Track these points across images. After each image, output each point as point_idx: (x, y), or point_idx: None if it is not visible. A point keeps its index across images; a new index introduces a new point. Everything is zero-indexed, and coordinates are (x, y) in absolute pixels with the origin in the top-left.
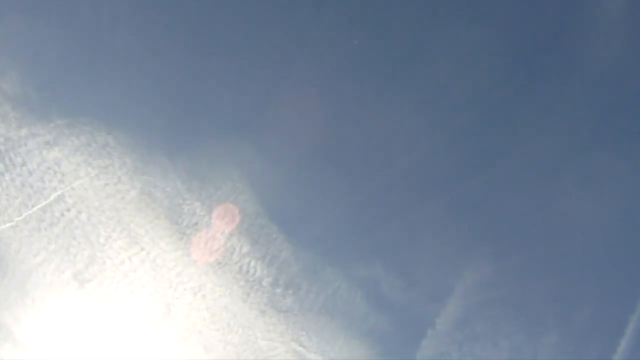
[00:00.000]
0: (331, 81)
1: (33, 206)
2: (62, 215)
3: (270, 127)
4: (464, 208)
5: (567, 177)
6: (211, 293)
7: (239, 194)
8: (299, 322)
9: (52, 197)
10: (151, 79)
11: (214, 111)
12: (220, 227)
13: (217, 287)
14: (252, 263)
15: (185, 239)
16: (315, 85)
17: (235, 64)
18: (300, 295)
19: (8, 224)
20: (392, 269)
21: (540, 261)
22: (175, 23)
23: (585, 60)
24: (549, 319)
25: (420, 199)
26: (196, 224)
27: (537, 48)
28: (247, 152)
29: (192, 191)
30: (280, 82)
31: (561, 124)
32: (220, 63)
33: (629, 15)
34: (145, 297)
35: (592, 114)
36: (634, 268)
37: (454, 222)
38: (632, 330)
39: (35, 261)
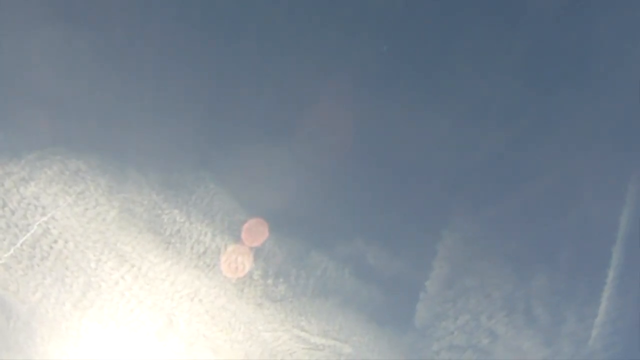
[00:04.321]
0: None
1: (22, 244)
2: (51, 247)
3: (238, 125)
4: (435, 166)
5: (541, 129)
6: (207, 296)
7: (213, 195)
8: (296, 308)
9: (38, 232)
10: (111, 97)
11: (179, 120)
12: (201, 229)
13: (211, 290)
14: (239, 259)
15: (172, 248)
16: (290, 85)
17: (202, 76)
18: (292, 282)
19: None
20: (374, 240)
21: (519, 209)
22: (134, 42)
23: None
24: (535, 263)
25: (389, 164)
26: (179, 231)
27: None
28: (215, 152)
29: (168, 200)
30: (258, 87)
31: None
32: (183, 75)
33: None
34: (145, 312)
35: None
36: (612, 203)
37: (427, 182)
38: (616, 260)
39: (35, 298)
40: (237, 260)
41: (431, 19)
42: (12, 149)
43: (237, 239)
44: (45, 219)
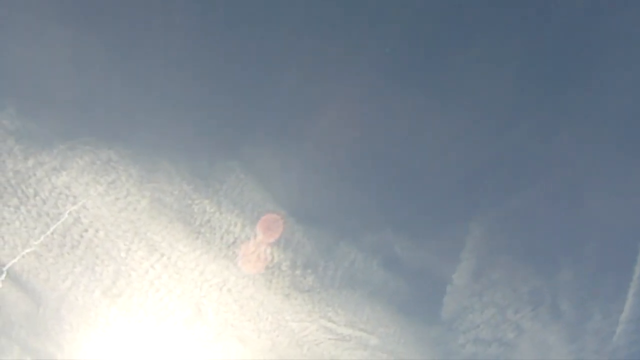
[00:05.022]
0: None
1: (53, 232)
2: (81, 236)
3: (269, 117)
4: (464, 160)
5: (568, 123)
6: (235, 286)
7: (243, 185)
8: (323, 299)
9: (69, 220)
10: (143, 89)
11: (211, 111)
12: (231, 220)
13: (240, 279)
14: (268, 250)
15: (201, 238)
16: (314, 83)
17: (230, 66)
18: (320, 273)
19: (29, 250)
20: (403, 233)
21: (545, 203)
22: (159, 32)
23: None
24: (562, 258)
25: (419, 157)
26: (209, 221)
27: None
28: (245, 144)
29: (198, 190)
30: (281, 82)
31: None
32: (212, 65)
33: None
34: (174, 300)
35: None
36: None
37: (455, 176)
38: None
39: (64, 286)
40: (265, 251)
41: (434, 21)
42: (44, 139)
43: (267, 230)
44: (75, 207)
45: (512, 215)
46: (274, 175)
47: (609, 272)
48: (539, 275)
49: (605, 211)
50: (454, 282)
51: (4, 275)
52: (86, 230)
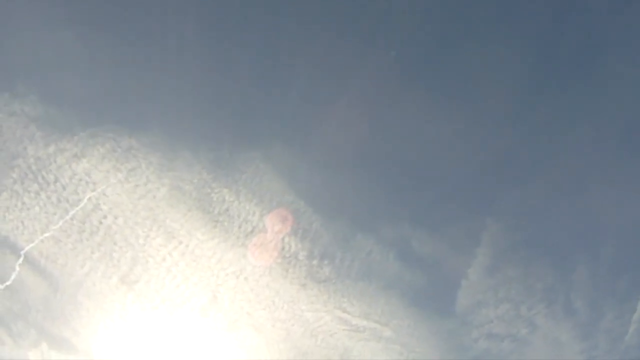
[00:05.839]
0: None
1: (72, 218)
2: (100, 222)
3: (289, 108)
4: (481, 156)
5: (585, 122)
6: (252, 274)
7: (262, 175)
8: (339, 290)
9: (88, 207)
10: (162, 78)
11: (232, 101)
12: (250, 209)
13: (256, 268)
14: (286, 239)
15: (219, 226)
16: (334, 78)
17: (252, 58)
18: (336, 264)
19: (47, 234)
20: (419, 226)
21: (562, 201)
22: (178, 24)
23: None
24: (576, 256)
25: (436, 152)
26: (227, 210)
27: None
28: (266, 135)
29: (218, 179)
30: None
31: None
32: (235, 57)
33: None
34: (191, 288)
35: None
36: None
37: (473, 172)
38: None
39: (82, 272)
40: (282, 240)
41: (436, 24)
42: (66, 125)
43: (285, 220)
44: (95, 194)
45: (528, 213)
46: (293, 166)
47: (622, 271)
48: (553, 273)
49: (621, 211)
50: (469, 277)
51: (21, 259)
52: (105, 217)
